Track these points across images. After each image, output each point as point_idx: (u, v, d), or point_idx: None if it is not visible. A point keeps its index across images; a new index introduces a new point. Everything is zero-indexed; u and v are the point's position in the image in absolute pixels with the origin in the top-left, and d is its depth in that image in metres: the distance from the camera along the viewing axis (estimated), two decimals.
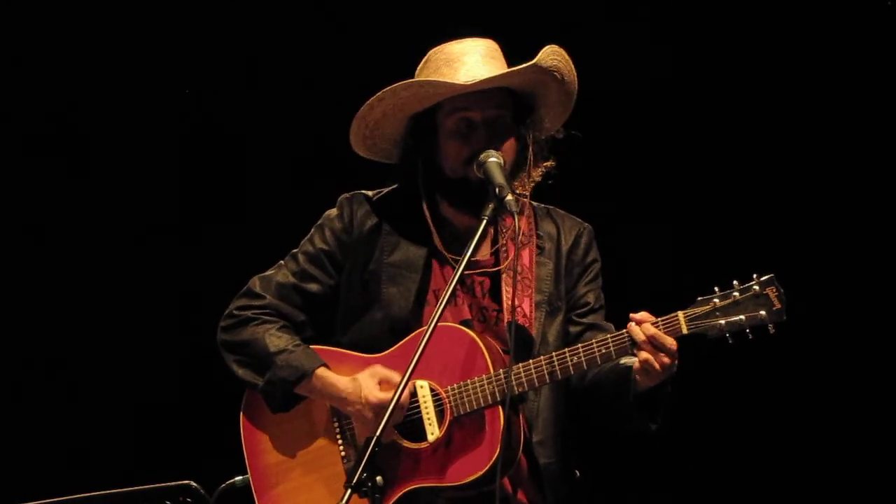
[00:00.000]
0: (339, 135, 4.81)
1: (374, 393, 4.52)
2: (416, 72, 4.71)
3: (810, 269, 6.12)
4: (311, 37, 6.76)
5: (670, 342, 4.33)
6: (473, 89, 4.57)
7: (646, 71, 6.47)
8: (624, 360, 4.46)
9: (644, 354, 4.34)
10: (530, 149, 4.68)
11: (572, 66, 4.67)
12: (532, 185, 4.72)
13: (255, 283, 4.81)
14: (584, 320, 4.73)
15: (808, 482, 6.41)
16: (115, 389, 6.86)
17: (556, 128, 4.77)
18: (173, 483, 4.34)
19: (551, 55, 4.60)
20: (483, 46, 4.67)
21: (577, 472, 4.76)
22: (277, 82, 6.80)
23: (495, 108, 4.61)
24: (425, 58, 4.72)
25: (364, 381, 4.55)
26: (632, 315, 4.39)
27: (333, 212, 4.85)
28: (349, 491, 3.94)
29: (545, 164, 4.74)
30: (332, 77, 6.57)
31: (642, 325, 4.35)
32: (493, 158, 4.53)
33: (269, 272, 4.84)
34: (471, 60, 4.62)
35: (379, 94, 4.61)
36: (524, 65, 4.57)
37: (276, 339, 4.69)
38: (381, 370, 4.56)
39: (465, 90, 4.57)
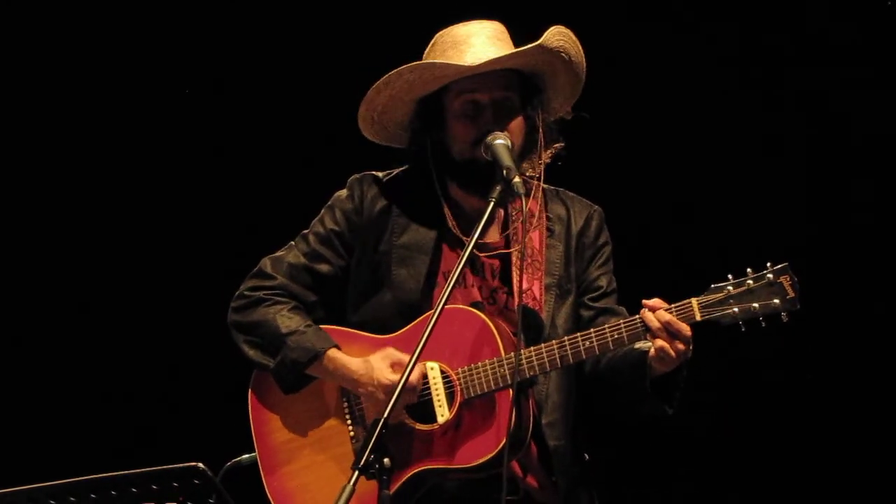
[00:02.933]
0: (348, 116, 4.79)
1: (386, 375, 4.51)
2: (423, 55, 4.70)
3: (825, 258, 6.11)
4: (317, 22, 6.72)
5: (685, 328, 4.32)
6: (479, 71, 4.55)
7: (656, 55, 6.45)
8: (639, 346, 4.45)
9: (659, 342, 4.33)
10: (540, 131, 4.66)
11: (580, 47, 4.65)
12: (542, 166, 4.70)
13: (266, 264, 4.81)
14: (597, 304, 4.72)
15: (816, 470, 6.41)
16: (121, 368, 6.87)
17: (566, 110, 4.76)
18: (181, 465, 4.30)
19: (557, 35, 4.58)
20: (490, 28, 4.66)
21: (586, 455, 4.75)
22: (285, 66, 6.77)
23: (502, 89, 4.60)
24: (432, 41, 4.71)
25: (376, 364, 4.55)
26: (644, 301, 4.38)
27: (343, 192, 4.85)
28: (356, 473, 3.91)
29: (555, 145, 4.72)
30: (339, 61, 6.54)
31: (656, 311, 4.35)
32: (501, 140, 4.52)
33: (279, 253, 4.83)
34: (477, 42, 4.60)
35: (385, 77, 4.60)
36: (529, 46, 4.56)
37: (287, 319, 4.68)
38: (393, 353, 4.55)
39: (472, 72, 4.55)
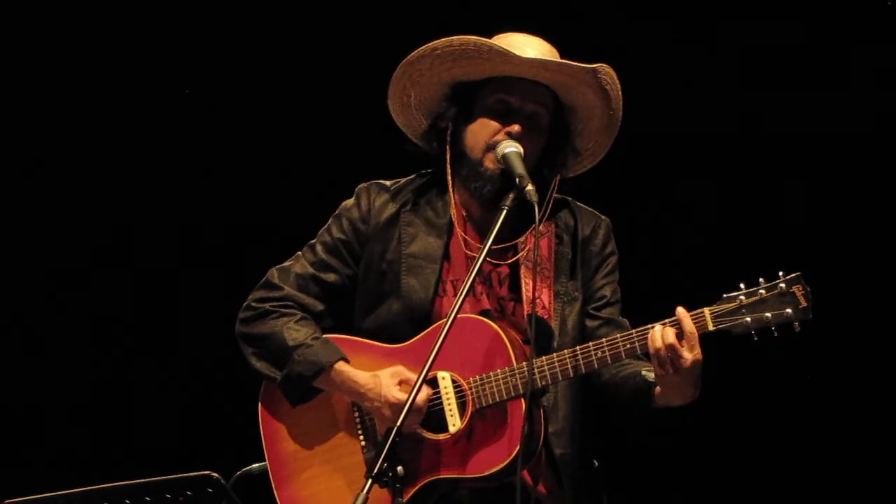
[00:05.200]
0: (356, 125, 4.80)
1: (394, 393, 4.52)
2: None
3: (837, 268, 6.12)
4: (328, 34, 6.70)
5: (691, 329, 4.31)
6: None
7: (671, 70, 6.48)
8: (644, 373, 4.48)
9: (664, 368, 4.35)
10: (555, 181, 4.67)
11: (620, 97, 4.65)
12: (549, 195, 4.69)
13: (274, 275, 4.81)
14: (601, 314, 4.72)
15: (827, 479, 6.42)
16: (134, 378, 6.85)
17: (591, 164, 4.78)
18: (194, 474, 4.32)
19: (607, 74, 4.59)
20: (546, 46, 4.65)
21: (595, 462, 4.77)
22: (293, 71, 6.74)
23: (538, 103, 4.61)
24: (490, 40, 4.65)
25: (384, 380, 4.55)
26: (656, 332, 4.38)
27: (350, 201, 4.85)
28: (370, 481, 3.94)
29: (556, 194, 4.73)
30: (351, 69, 6.52)
31: (665, 333, 4.33)
32: (513, 148, 4.53)
33: (286, 263, 4.83)
34: (532, 52, 4.58)
35: (433, 42, 4.59)
36: (581, 64, 4.55)
37: (294, 332, 4.68)
38: (402, 371, 4.55)
39: (517, 69, 4.54)
